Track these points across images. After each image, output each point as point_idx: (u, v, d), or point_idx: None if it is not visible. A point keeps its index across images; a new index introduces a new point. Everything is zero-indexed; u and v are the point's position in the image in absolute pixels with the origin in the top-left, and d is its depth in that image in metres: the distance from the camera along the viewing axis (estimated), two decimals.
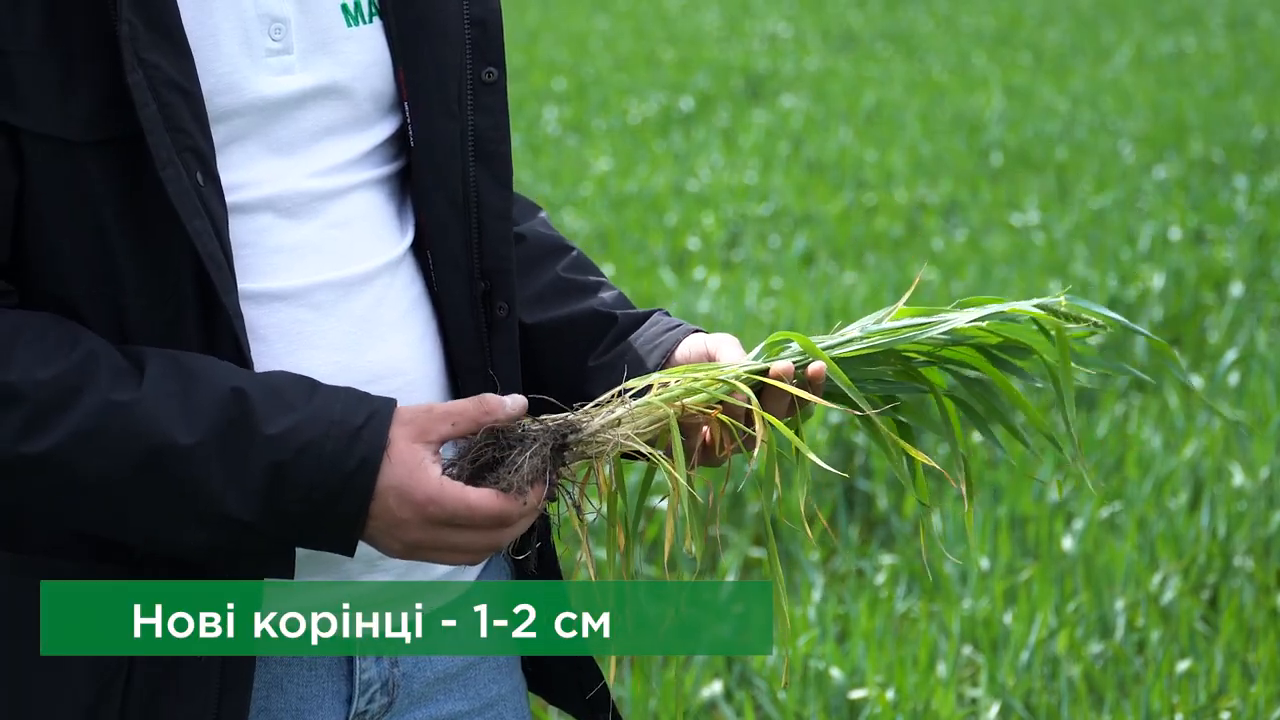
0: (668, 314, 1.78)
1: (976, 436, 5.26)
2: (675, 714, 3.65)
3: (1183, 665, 3.75)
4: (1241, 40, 14.13)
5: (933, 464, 1.65)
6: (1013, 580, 4.19)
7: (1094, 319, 1.72)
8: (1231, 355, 5.80)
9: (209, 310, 1.50)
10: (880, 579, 4.30)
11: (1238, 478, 4.73)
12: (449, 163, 1.64)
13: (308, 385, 1.48)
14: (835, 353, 1.66)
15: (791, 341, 1.66)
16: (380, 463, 1.45)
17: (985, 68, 12.83)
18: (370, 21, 1.62)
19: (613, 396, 1.58)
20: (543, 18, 16.01)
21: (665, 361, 1.70)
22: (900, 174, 8.95)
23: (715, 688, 3.75)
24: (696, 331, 1.73)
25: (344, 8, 1.60)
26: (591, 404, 1.57)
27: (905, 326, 1.69)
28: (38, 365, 1.43)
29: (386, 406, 1.48)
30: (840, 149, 9.62)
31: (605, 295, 1.79)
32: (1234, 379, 5.66)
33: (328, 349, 1.57)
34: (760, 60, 13.19)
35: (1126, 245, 7.30)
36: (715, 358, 1.68)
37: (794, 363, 1.64)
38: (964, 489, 1.70)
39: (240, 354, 1.50)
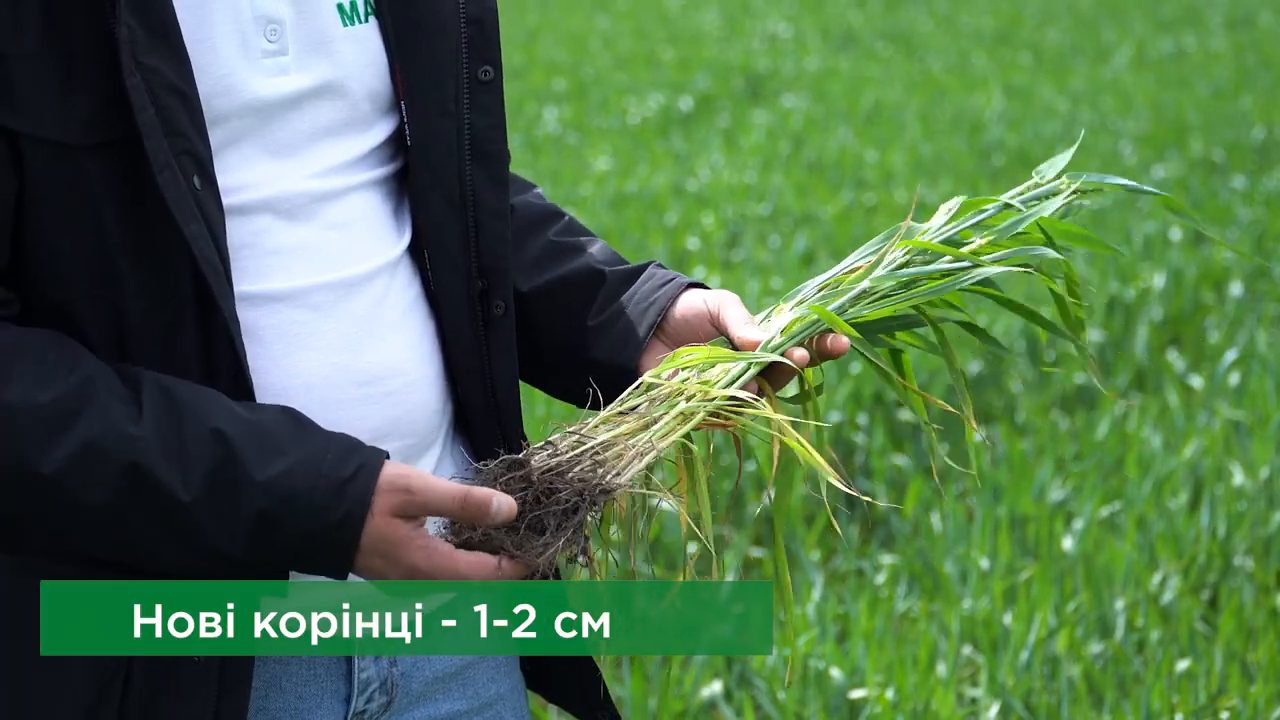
0: (662, 266, 1.77)
1: (978, 435, 5.27)
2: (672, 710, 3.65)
3: (1182, 665, 3.75)
4: (1241, 40, 14.13)
5: (944, 405, 1.65)
6: (1013, 580, 4.19)
7: (1105, 189, 1.71)
8: (1231, 355, 5.79)
9: (207, 313, 1.49)
10: (880, 579, 4.30)
11: (1238, 478, 4.73)
12: (445, 162, 1.64)
13: (294, 424, 1.48)
14: (856, 315, 1.64)
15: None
16: (364, 520, 1.45)
17: (985, 68, 12.83)
18: (366, 21, 1.61)
19: (627, 407, 1.56)
20: (543, 18, 16.01)
21: (661, 319, 1.70)
22: (900, 174, 8.95)
23: (715, 688, 3.75)
24: (692, 285, 1.73)
25: (339, 7, 1.59)
26: (610, 408, 1.55)
27: (926, 276, 1.66)
28: (37, 387, 1.43)
29: (374, 460, 1.46)
30: (840, 149, 9.61)
31: (595, 252, 1.78)
32: (1234, 379, 5.65)
33: (326, 350, 1.57)
34: (760, 60, 13.19)
35: (1126, 245, 7.29)
36: (718, 316, 1.67)
37: (807, 336, 1.62)
38: (969, 414, 1.69)
39: (236, 358, 1.50)
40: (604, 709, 1.78)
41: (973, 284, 1.66)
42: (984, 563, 4.24)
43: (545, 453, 1.50)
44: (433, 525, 1.54)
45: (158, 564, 1.47)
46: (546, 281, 1.76)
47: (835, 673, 3.72)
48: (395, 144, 1.66)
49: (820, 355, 1.64)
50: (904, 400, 1.68)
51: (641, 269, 1.76)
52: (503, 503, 1.45)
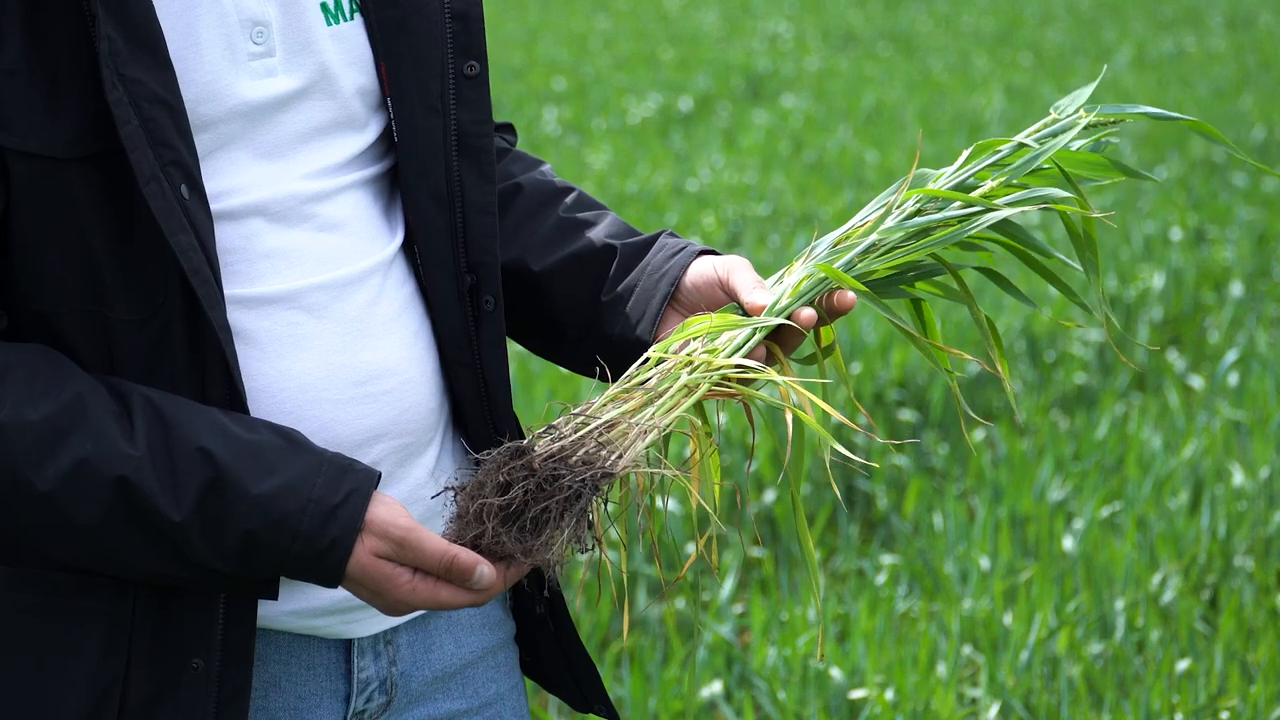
0: (674, 234, 1.76)
1: (979, 434, 5.27)
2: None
3: (1182, 665, 3.75)
4: (1241, 40, 14.12)
5: (962, 354, 1.62)
6: (1013, 580, 4.19)
7: (1127, 119, 1.67)
8: (1232, 355, 5.79)
9: (196, 322, 1.49)
10: (880, 579, 4.30)
11: (1238, 478, 4.73)
12: (432, 158, 1.63)
13: (286, 442, 1.48)
14: (865, 269, 1.61)
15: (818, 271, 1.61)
16: (352, 547, 1.46)
17: (985, 68, 12.83)
18: (351, 18, 1.61)
19: (635, 382, 1.54)
20: (543, 18, 16.01)
21: (674, 289, 1.68)
22: (900, 174, 8.94)
23: (715, 688, 3.75)
24: (704, 253, 1.71)
25: (324, 6, 1.59)
26: (616, 385, 1.53)
27: (936, 225, 1.61)
28: (28, 405, 1.43)
29: (366, 485, 1.47)
30: (840, 149, 9.61)
31: (606, 226, 1.77)
32: (1234, 379, 5.65)
33: (321, 351, 1.56)
34: (760, 60, 13.19)
35: (1126, 245, 7.29)
36: (727, 281, 1.65)
37: (817, 294, 1.60)
38: (995, 353, 1.67)
39: (227, 367, 1.49)
40: (601, 703, 1.78)
41: (988, 231, 1.62)
42: (984, 563, 4.24)
43: (548, 438, 1.48)
44: (438, 505, 1.53)
45: (151, 575, 1.47)
46: (559, 259, 1.75)
47: (835, 673, 3.71)
48: (385, 142, 1.65)
49: (829, 313, 1.62)
50: (924, 353, 1.65)
51: (653, 240, 1.75)
52: (485, 572, 1.47)
